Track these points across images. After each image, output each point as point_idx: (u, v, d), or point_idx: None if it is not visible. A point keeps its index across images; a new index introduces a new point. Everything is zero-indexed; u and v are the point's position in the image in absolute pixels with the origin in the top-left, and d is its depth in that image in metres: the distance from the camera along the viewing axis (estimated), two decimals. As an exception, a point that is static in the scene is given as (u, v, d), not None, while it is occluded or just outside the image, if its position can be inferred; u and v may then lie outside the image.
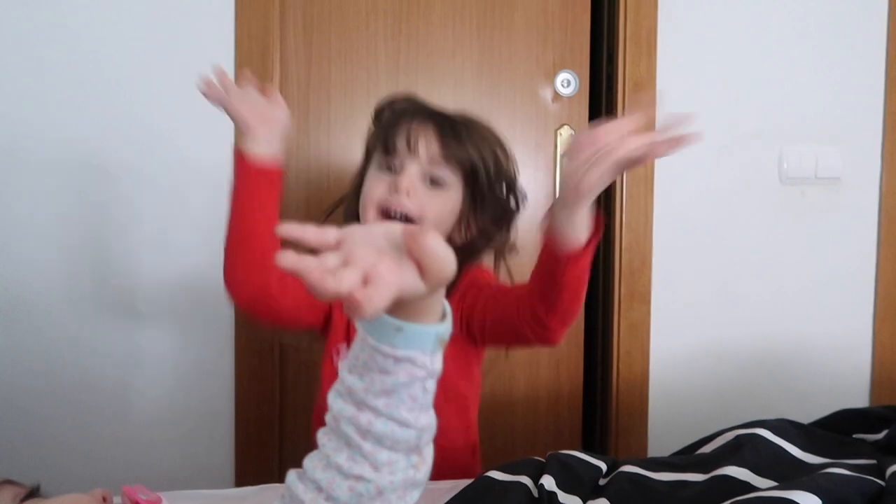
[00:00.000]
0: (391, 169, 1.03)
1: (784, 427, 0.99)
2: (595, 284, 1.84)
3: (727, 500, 0.78)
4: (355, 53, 1.64)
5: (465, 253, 1.06)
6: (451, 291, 1.05)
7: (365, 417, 0.57)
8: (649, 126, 0.80)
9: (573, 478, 0.91)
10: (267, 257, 0.99)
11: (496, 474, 0.93)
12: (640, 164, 0.83)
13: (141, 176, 1.57)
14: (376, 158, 1.06)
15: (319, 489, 0.59)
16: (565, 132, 1.70)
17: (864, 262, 1.78)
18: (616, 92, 1.71)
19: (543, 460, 0.96)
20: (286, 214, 1.61)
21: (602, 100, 1.81)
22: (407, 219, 1.01)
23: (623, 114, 1.68)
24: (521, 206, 1.15)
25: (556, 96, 1.69)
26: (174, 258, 1.58)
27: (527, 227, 1.70)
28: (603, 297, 1.82)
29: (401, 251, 0.52)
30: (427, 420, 0.60)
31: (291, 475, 0.62)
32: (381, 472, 0.58)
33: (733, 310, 1.75)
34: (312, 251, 0.50)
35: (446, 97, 1.66)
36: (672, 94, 1.70)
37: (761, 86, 1.73)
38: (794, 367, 1.77)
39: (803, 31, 1.73)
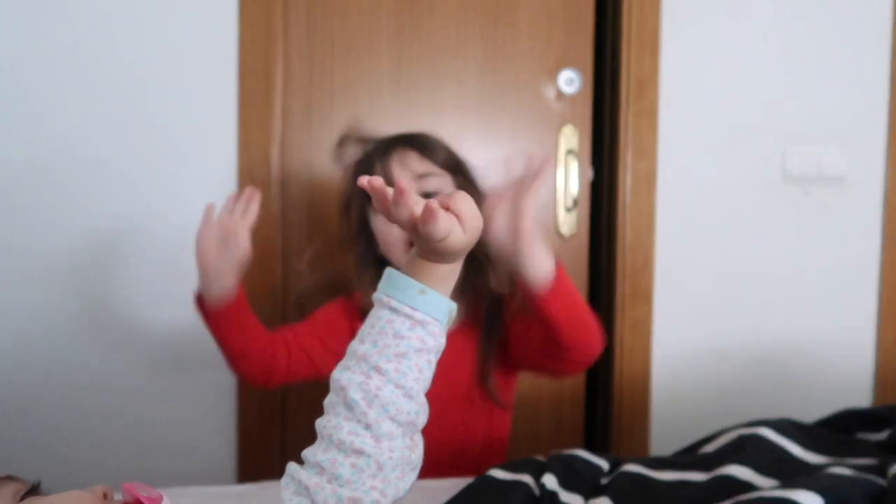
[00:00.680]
0: None
1: (786, 426, 0.99)
2: (598, 283, 1.84)
3: (729, 499, 0.78)
4: (358, 51, 1.63)
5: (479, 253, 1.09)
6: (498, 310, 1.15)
7: (374, 382, 0.62)
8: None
9: (575, 476, 0.91)
10: (262, 358, 1.14)
11: (497, 473, 0.93)
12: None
13: (140, 176, 1.57)
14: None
15: (322, 471, 0.62)
16: (568, 131, 1.70)
17: (868, 261, 1.78)
18: (620, 90, 1.70)
19: (545, 459, 0.96)
20: (290, 213, 1.62)
21: (606, 98, 1.81)
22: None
23: (625, 113, 1.68)
24: None
25: (560, 95, 1.69)
26: (178, 249, 1.59)
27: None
28: (605, 296, 1.82)
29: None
30: (424, 400, 0.65)
31: (292, 465, 0.64)
32: (382, 444, 0.62)
33: (736, 308, 1.75)
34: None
35: (449, 95, 1.66)
36: (676, 92, 1.70)
37: (765, 84, 1.73)
38: (797, 366, 1.77)
39: (807, 29, 1.73)
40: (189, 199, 1.58)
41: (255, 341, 1.13)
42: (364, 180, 0.62)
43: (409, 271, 0.65)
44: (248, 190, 1.13)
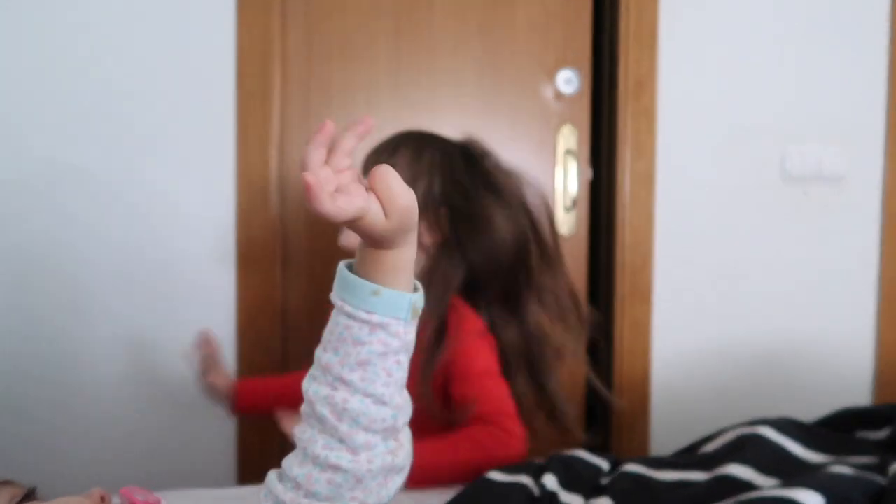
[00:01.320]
0: None
1: (786, 425, 0.99)
2: (597, 282, 1.84)
3: (730, 499, 0.78)
4: (356, 52, 1.63)
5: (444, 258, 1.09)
6: (440, 313, 1.08)
7: (340, 395, 0.57)
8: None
9: (575, 477, 0.91)
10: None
11: (496, 475, 0.92)
12: None
13: (138, 179, 1.57)
14: None
15: (298, 486, 0.58)
16: (567, 131, 1.69)
17: (867, 261, 1.77)
18: (618, 90, 1.70)
19: (544, 461, 0.96)
20: (288, 215, 1.62)
21: (604, 98, 1.81)
22: None
23: (624, 113, 1.68)
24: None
25: (558, 94, 1.69)
26: (177, 253, 1.59)
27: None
28: (605, 296, 1.81)
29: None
30: (402, 400, 0.60)
31: (272, 475, 0.62)
32: (359, 456, 0.58)
33: (735, 308, 1.75)
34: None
35: (447, 96, 1.66)
36: (674, 91, 1.69)
37: (764, 84, 1.73)
38: (797, 365, 1.77)
39: (806, 29, 1.73)
40: (188, 201, 1.58)
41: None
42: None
43: (360, 266, 0.59)
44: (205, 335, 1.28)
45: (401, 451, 0.61)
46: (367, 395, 0.57)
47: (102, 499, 0.71)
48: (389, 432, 0.59)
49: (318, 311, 1.52)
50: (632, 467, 0.94)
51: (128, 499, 0.71)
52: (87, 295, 1.57)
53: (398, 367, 0.59)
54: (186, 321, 1.59)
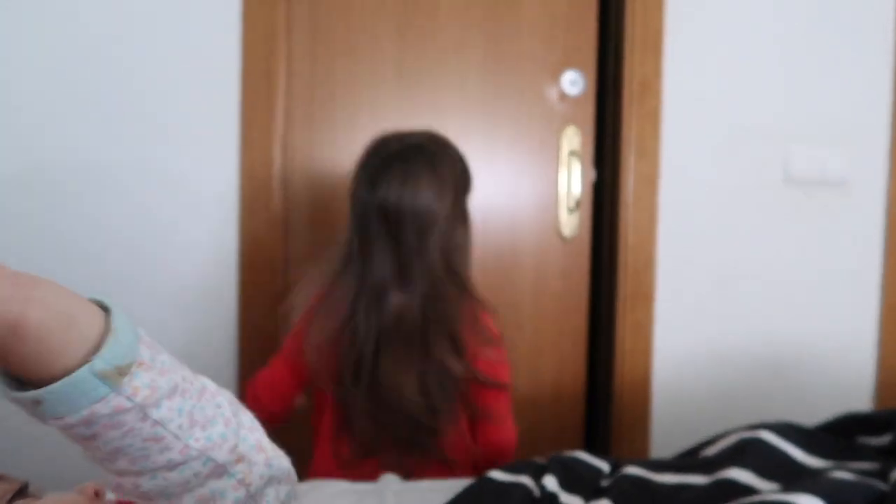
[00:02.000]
0: None
1: (787, 430, 0.99)
2: (599, 283, 1.84)
3: (730, 503, 0.78)
4: (361, 52, 1.63)
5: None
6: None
7: (128, 482, 0.47)
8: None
9: (575, 478, 0.91)
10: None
11: (497, 475, 0.93)
12: None
13: (142, 177, 1.57)
14: None
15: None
16: (571, 132, 1.69)
17: (870, 264, 1.77)
18: (623, 92, 1.70)
19: (544, 462, 0.96)
20: (292, 213, 1.62)
21: (609, 99, 1.80)
22: None
23: (629, 115, 1.68)
24: None
25: (563, 96, 1.69)
26: (180, 249, 1.59)
27: (529, 229, 1.70)
28: (607, 297, 1.81)
29: None
30: (206, 435, 0.47)
31: None
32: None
33: (737, 310, 1.74)
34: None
35: (451, 96, 1.66)
36: (679, 94, 1.69)
37: (768, 87, 1.72)
38: (798, 369, 1.76)
39: (810, 32, 1.73)
40: (191, 199, 1.59)
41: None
42: None
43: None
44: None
45: (253, 470, 0.50)
46: (150, 471, 0.46)
47: (96, 493, 0.71)
48: (222, 470, 0.48)
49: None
50: (632, 469, 0.94)
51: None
52: (86, 280, 1.57)
53: (162, 425, 0.45)
54: (191, 311, 1.60)
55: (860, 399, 1.77)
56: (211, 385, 0.52)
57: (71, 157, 1.55)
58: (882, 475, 0.84)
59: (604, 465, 0.97)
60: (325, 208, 1.63)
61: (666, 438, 1.73)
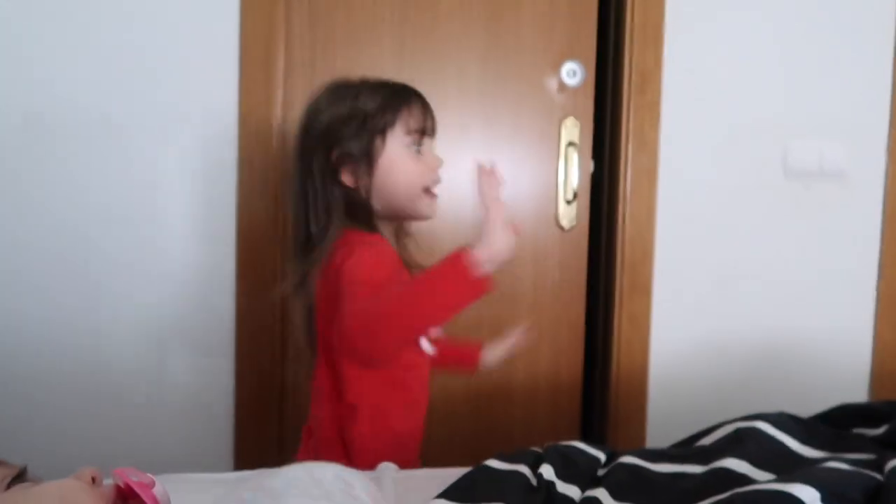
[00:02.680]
0: (418, 148, 1.11)
1: (784, 420, 0.99)
2: (597, 276, 1.84)
3: (726, 492, 0.78)
4: (361, 40, 1.63)
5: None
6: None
7: None
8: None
9: (572, 468, 0.91)
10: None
11: (495, 463, 0.93)
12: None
13: (141, 169, 1.57)
14: (400, 139, 1.09)
15: None
16: (570, 123, 1.69)
17: (867, 257, 1.78)
18: (622, 83, 1.70)
19: (542, 451, 0.96)
20: (290, 203, 1.61)
21: (608, 91, 1.80)
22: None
23: (628, 106, 1.68)
24: None
25: (562, 86, 1.68)
26: (174, 240, 1.58)
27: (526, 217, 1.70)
28: (604, 289, 1.82)
29: None
30: None
31: None
32: None
33: (734, 303, 1.75)
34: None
35: (451, 86, 1.66)
36: (677, 86, 1.69)
37: (767, 80, 1.72)
38: (795, 361, 1.77)
39: (811, 25, 1.72)
40: (190, 191, 1.58)
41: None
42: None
43: None
44: None
45: None
46: None
47: (93, 479, 0.71)
48: None
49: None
50: (628, 459, 0.95)
51: (121, 478, 0.71)
52: (85, 270, 1.57)
53: None
54: (188, 300, 1.60)
55: (856, 392, 1.78)
56: None
57: (66, 165, 1.54)
58: (877, 466, 0.84)
59: (600, 455, 0.97)
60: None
61: (662, 430, 1.73)
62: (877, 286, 1.78)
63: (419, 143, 1.11)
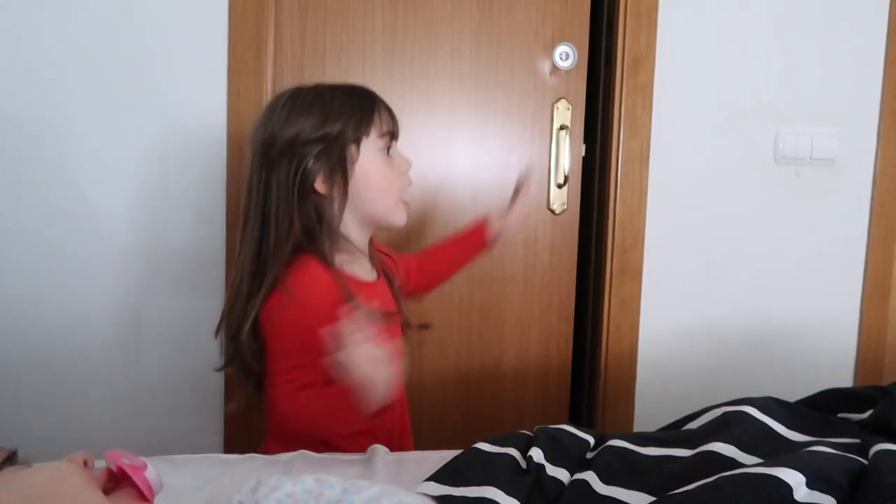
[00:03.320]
0: (388, 151, 1.11)
1: (770, 405, 1.00)
2: (587, 259, 1.85)
3: (713, 475, 0.79)
4: (351, 19, 1.61)
5: None
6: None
7: None
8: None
9: (561, 451, 0.92)
10: None
11: (484, 446, 0.93)
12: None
13: (129, 146, 1.55)
14: (373, 144, 1.08)
15: None
16: (562, 105, 1.68)
17: (855, 243, 1.79)
18: (614, 66, 1.69)
19: (531, 434, 0.97)
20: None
21: (600, 74, 1.79)
22: None
23: (620, 89, 1.67)
24: None
25: (555, 69, 1.68)
26: (168, 226, 1.57)
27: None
28: (594, 273, 1.82)
29: None
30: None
31: None
32: None
33: (724, 288, 1.76)
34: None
35: (443, 66, 1.64)
36: (670, 70, 1.69)
37: (760, 65, 1.72)
38: (782, 346, 1.79)
39: (804, 11, 1.72)
40: (179, 169, 1.57)
41: None
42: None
43: None
44: None
45: None
46: None
47: (85, 462, 0.71)
48: None
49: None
50: (617, 442, 0.95)
51: (113, 462, 0.71)
52: (79, 253, 1.56)
53: None
54: (180, 285, 1.59)
55: (842, 376, 1.80)
56: None
57: (50, 133, 1.52)
58: (862, 450, 0.85)
59: (589, 438, 0.98)
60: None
61: (650, 414, 1.75)
62: (864, 272, 1.79)
63: (389, 147, 1.10)
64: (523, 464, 0.89)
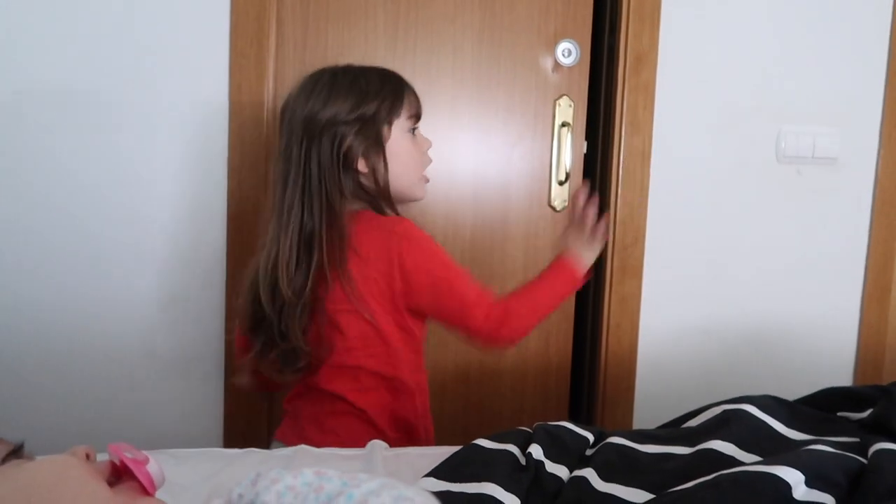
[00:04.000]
0: (413, 131, 1.18)
1: (770, 403, 1.00)
2: (588, 257, 1.84)
3: (712, 473, 0.79)
4: (353, 16, 1.61)
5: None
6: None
7: None
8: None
9: (561, 448, 0.92)
10: None
11: (484, 442, 0.94)
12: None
13: (130, 143, 1.55)
14: (402, 124, 1.15)
15: None
16: (564, 103, 1.68)
17: (856, 243, 1.79)
18: (617, 64, 1.69)
19: (531, 430, 0.97)
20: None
21: (602, 71, 1.79)
22: None
23: (623, 87, 1.67)
24: None
25: (557, 66, 1.67)
26: (167, 213, 1.57)
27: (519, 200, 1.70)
28: (595, 270, 1.82)
29: None
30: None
31: None
32: None
33: (724, 286, 1.76)
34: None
35: (445, 64, 1.64)
36: (672, 68, 1.68)
37: (762, 64, 1.72)
38: (782, 345, 1.79)
39: (807, 10, 1.72)
40: (179, 163, 1.57)
41: None
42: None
43: None
44: None
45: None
46: None
47: (87, 456, 0.71)
48: None
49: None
50: (616, 440, 0.95)
51: (116, 455, 0.71)
52: (79, 245, 1.56)
53: None
54: (180, 276, 1.59)
55: (841, 375, 1.81)
56: None
57: (51, 150, 1.52)
58: (861, 449, 0.86)
59: (589, 435, 0.98)
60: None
61: (649, 412, 1.75)
62: (865, 272, 1.79)
63: (414, 127, 1.18)
64: (522, 460, 0.89)
